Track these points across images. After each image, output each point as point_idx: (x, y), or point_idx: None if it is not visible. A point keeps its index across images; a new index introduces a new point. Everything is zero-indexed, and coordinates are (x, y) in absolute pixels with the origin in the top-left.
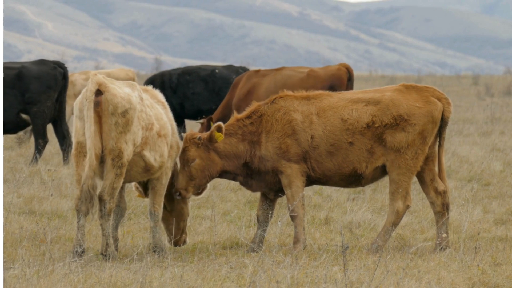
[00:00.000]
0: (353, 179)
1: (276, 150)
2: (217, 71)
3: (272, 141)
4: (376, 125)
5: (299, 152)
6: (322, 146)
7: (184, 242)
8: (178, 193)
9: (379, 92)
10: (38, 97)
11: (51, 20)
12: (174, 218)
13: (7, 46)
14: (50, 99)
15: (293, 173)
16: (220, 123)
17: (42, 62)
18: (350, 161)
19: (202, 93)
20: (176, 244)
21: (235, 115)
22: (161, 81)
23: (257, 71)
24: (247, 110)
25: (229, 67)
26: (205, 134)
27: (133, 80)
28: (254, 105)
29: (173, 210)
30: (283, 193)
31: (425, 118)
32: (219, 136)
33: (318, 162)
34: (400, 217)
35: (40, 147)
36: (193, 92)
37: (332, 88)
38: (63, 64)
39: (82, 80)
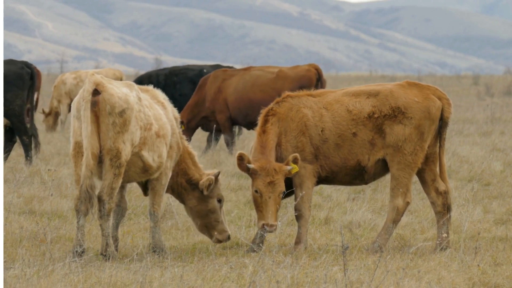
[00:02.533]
0: (357, 174)
1: (294, 149)
2: (205, 70)
3: (291, 141)
4: (376, 116)
5: (312, 151)
6: (331, 138)
7: (218, 240)
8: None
9: (381, 85)
10: (5, 95)
11: (51, 20)
12: (191, 215)
13: (7, 46)
14: (19, 98)
15: (306, 174)
16: (297, 154)
17: (10, 62)
18: (354, 153)
19: (190, 94)
20: (219, 241)
21: (257, 130)
22: (148, 82)
23: (225, 70)
24: (260, 118)
25: (217, 67)
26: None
27: (121, 80)
28: (263, 111)
29: (186, 206)
30: (288, 195)
31: (422, 113)
32: (295, 168)
33: (327, 157)
34: (401, 214)
35: (26, 143)
36: (180, 94)
37: (301, 89)
38: (31, 64)
39: (72, 79)
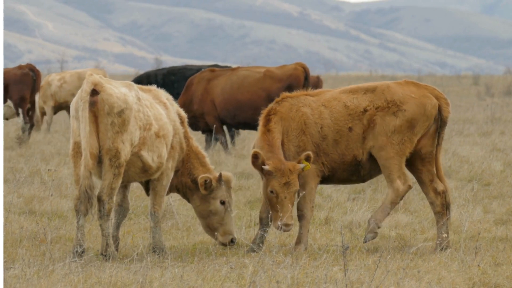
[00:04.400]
0: (353, 169)
1: (296, 148)
2: (203, 70)
3: (292, 141)
4: (369, 108)
5: (314, 149)
6: (330, 135)
7: (221, 243)
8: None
9: (379, 82)
10: None
11: (51, 20)
12: (196, 214)
13: (7, 46)
14: None
15: (309, 174)
16: (309, 152)
17: None
18: (350, 148)
19: None
20: (222, 244)
21: (260, 129)
22: (147, 82)
23: (212, 70)
24: (262, 118)
25: (216, 67)
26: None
27: None
28: (264, 111)
29: (192, 205)
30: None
31: (417, 108)
32: (307, 166)
33: (326, 154)
34: (400, 196)
35: None
36: (178, 93)
37: (290, 88)
38: None
39: (56, 81)
